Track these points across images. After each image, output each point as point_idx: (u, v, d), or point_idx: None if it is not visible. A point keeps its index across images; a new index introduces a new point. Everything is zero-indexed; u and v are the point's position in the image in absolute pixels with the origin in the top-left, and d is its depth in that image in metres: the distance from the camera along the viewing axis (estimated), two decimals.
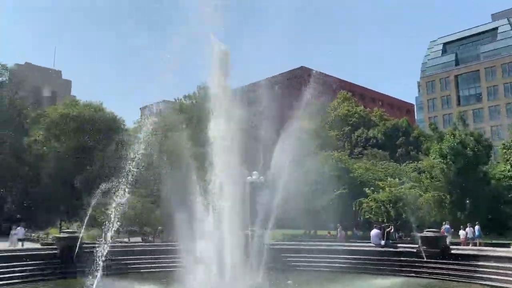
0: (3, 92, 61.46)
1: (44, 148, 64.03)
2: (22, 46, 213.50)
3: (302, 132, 20.24)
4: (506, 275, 17.67)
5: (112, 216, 31.08)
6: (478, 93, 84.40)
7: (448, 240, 25.73)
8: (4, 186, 55.81)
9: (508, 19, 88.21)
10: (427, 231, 21.95)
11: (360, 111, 73.54)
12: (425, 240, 21.17)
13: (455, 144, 49.60)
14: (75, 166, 66.29)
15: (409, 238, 39.26)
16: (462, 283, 18.46)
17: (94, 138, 68.09)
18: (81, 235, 22.04)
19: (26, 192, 56.88)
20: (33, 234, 44.04)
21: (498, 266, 18.55)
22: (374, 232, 23.41)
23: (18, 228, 31.82)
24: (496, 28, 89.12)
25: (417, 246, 21.59)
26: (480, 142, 52.74)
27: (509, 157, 50.22)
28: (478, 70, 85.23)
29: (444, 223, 32.09)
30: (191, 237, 15.62)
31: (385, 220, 37.01)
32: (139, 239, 38.40)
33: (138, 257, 22.46)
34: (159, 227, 36.98)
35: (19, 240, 29.44)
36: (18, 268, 18.11)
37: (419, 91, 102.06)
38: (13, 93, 60.63)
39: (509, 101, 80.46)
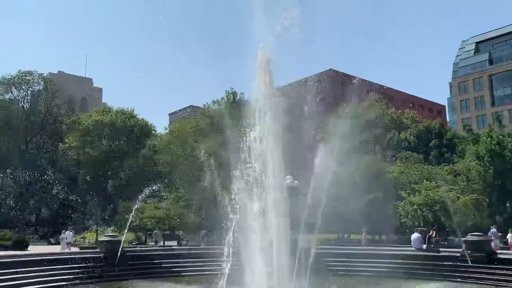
0: (39, 101, 63.45)
1: (80, 154, 65.75)
2: (55, 55, 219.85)
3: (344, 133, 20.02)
4: None
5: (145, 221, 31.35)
6: None
7: (495, 244, 24.97)
8: (41, 192, 57.40)
9: None
10: (471, 235, 21.35)
11: (392, 113, 72.50)
12: (470, 244, 20.61)
13: (493, 145, 48.28)
14: (109, 171, 67.79)
15: (445, 243, 38.38)
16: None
17: (126, 144, 69.48)
18: (123, 238, 22.43)
19: (61, 198, 58.34)
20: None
21: None
22: (415, 236, 22.97)
23: (67, 232, 32.79)
24: None
25: (461, 250, 21.06)
26: None
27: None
28: None
29: (491, 227, 31.14)
30: (240, 241, 15.69)
31: (421, 224, 36.28)
32: (174, 243, 38.80)
33: (179, 260, 22.67)
34: (203, 231, 37.38)
35: (68, 243, 30.25)
36: (66, 271, 18.57)
37: (451, 92, 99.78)
38: (49, 101, 62.44)
39: None
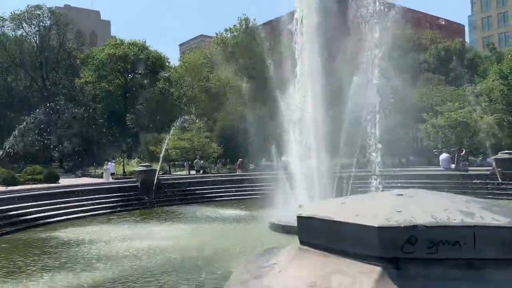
0: (51, 35, 62.47)
1: (96, 89, 65.88)
2: None
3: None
4: None
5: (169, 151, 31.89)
6: None
7: None
8: (62, 127, 58.35)
9: None
10: (502, 153, 21.44)
11: (410, 34, 70.10)
12: (501, 162, 20.76)
13: None
14: (126, 104, 68.20)
15: (467, 162, 38.71)
16: None
17: (142, 77, 69.15)
18: (158, 168, 23.04)
19: (82, 132, 59.31)
20: (96, 170, 46.50)
21: None
22: (444, 156, 23.15)
23: (110, 163, 33.83)
24: None
25: (491, 168, 21.26)
26: None
27: None
28: None
29: None
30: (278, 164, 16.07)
31: (440, 146, 36.44)
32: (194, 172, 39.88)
33: (212, 187, 23.42)
34: (240, 159, 38.44)
35: (112, 174, 31.18)
36: (107, 200, 19.36)
37: (472, 9, 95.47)
38: (62, 36, 61.48)
39: None
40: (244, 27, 74.05)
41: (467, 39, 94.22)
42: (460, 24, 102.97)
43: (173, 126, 29.81)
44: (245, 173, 28.86)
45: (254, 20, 72.28)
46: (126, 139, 65.07)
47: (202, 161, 39.07)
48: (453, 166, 22.60)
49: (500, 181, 20.46)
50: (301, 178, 14.50)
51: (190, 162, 41.37)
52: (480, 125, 37.56)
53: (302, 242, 1.08)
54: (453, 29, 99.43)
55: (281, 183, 17.55)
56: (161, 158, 27.08)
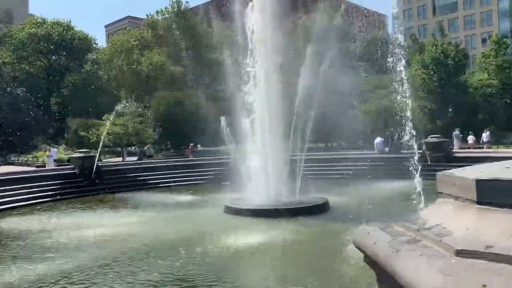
0: None
1: (16, 71, 61.23)
2: None
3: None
4: None
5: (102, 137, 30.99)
6: (454, 2, 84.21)
7: (458, 146, 27.15)
8: None
9: None
10: (431, 136, 23.12)
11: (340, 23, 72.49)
12: (430, 145, 22.41)
13: (437, 54, 50.50)
14: (50, 88, 64.18)
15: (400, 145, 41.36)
16: None
17: (66, 58, 65.37)
18: (97, 154, 22.11)
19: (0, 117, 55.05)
20: (20, 158, 43.67)
21: None
22: (379, 140, 24.48)
23: (53, 149, 31.56)
24: None
25: (420, 151, 22.85)
26: (459, 52, 53.82)
27: (487, 66, 51.82)
28: None
29: (454, 129, 33.44)
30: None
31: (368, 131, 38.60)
32: (134, 158, 38.78)
33: (154, 173, 22.91)
34: (191, 143, 37.86)
35: (55, 160, 29.03)
36: (44, 188, 18.30)
37: (396, 4, 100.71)
38: None
39: (484, 10, 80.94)
40: (176, 9, 72.49)
41: (390, 30, 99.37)
42: (383, 15, 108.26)
43: (114, 110, 28.66)
44: (193, 158, 28.63)
45: (186, 2, 70.77)
46: (51, 124, 61.48)
47: (148, 147, 38.23)
48: (387, 149, 24.04)
49: (429, 163, 22.08)
50: (252, 162, 14.72)
51: (130, 148, 40.05)
52: (406, 111, 40.22)
53: (481, 203, 1.14)
54: (377, 19, 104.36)
55: (229, 167, 17.69)
56: (101, 144, 25.97)
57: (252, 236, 10.54)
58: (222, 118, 16.26)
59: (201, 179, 22.55)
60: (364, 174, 21.57)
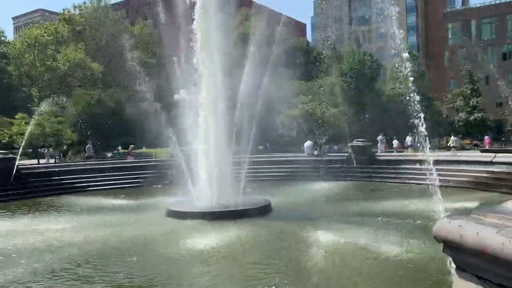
0: None
1: None
2: None
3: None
4: (419, 175, 21.07)
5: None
6: (369, 15, 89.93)
7: (381, 149, 28.95)
8: None
9: None
10: (356, 140, 24.55)
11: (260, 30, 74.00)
12: (355, 148, 23.80)
13: (355, 63, 53.60)
14: None
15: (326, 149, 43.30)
16: (383, 182, 21.55)
17: None
18: (18, 156, 20.49)
19: None
20: None
21: (414, 168, 21.92)
22: (308, 143, 25.47)
23: None
24: None
25: (346, 154, 24.21)
26: (374, 62, 57.63)
27: (399, 76, 55.99)
28: None
29: (380, 134, 35.47)
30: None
31: (294, 135, 39.94)
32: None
33: (82, 175, 21.71)
34: (131, 145, 35.85)
35: None
36: None
37: (314, 10, 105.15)
38: None
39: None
40: (96, 5, 69.51)
41: (309, 38, 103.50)
42: (302, 23, 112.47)
43: (39, 108, 26.65)
44: (126, 161, 27.55)
45: None
46: None
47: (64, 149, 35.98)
48: (316, 152, 25.08)
49: (355, 165, 23.46)
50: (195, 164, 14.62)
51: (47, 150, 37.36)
52: (327, 116, 42.26)
53: None
54: (297, 27, 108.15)
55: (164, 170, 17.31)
56: (22, 145, 24.00)
57: (203, 238, 10.50)
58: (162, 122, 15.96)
59: (133, 182, 21.85)
60: (297, 176, 22.33)
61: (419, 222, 11.60)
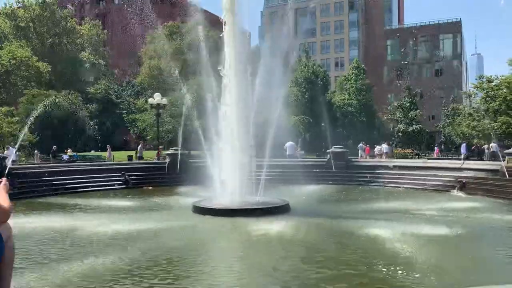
0: None
1: None
2: None
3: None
4: (393, 179, 23.28)
5: None
6: (313, 28, 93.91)
7: (363, 155, 31.00)
8: None
9: None
10: (335, 147, 26.28)
11: (214, 35, 75.00)
12: (334, 154, 25.52)
13: (309, 74, 56.20)
14: None
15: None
16: (364, 186, 23.42)
17: None
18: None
19: None
20: None
21: (388, 173, 24.10)
22: (289, 144, 26.84)
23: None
24: None
25: (326, 159, 25.88)
26: (325, 72, 60.76)
27: (349, 88, 59.53)
28: (315, 6, 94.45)
29: (360, 142, 37.38)
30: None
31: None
32: None
33: (74, 176, 21.40)
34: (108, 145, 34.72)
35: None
36: None
37: (261, 19, 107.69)
38: None
39: (337, 38, 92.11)
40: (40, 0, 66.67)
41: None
42: (248, 31, 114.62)
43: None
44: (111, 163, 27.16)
45: None
46: None
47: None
48: (298, 152, 26.51)
49: (333, 170, 25.16)
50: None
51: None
52: (288, 123, 44.09)
53: None
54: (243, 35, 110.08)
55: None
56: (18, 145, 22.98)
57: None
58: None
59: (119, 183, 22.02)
60: (286, 179, 23.33)
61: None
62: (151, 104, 31.81)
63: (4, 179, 3.72)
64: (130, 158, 33.21)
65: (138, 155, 32.55)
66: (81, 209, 15.84)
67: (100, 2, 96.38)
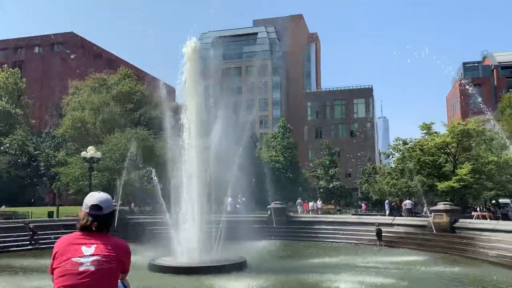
0: None
1: None
2: None
3: None
4: (332, 234, 24.44)
5: None
6: (240, 86, 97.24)
7: (300, 210, 31.88)
8: None
9: (265, 27, 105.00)
10: (275, 203, 26.98)
11: (142, 89, 74.83)
12: (275, 210, 26.22)
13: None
14: None
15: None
16: (306, 241, 24.20)
17: None
18: None
19: None
20: None
21: (327, 228, 25.23)
22: (230, 200, 27.07)
23: None
24: (256, 33, 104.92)
25: (267, 215, 26.47)
26: (254, 131, 62.69)
27: (276, 145, 61.67)
28: (240, 67, 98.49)
29: (299, 198, 38.42)
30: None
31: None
32: None
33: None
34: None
35: None
36: None
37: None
38: None
39: (262, 97, 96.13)
40: None
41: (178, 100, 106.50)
42: (172, 87, 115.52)
43: None
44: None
45: None
46: None
47: None
48: (238, 206, 26.76)
49: (274, 225, 25.75)
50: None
51: None
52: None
53: None
54: (169, 90, 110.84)
55: None
56: None
57: None
58: None
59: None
60: (230, 235, 23.32)
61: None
62: (84, 158, 30.62)
63: None
64: (50, 214, 31.38)
65: None
66: None
67: (19, 49, 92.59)
